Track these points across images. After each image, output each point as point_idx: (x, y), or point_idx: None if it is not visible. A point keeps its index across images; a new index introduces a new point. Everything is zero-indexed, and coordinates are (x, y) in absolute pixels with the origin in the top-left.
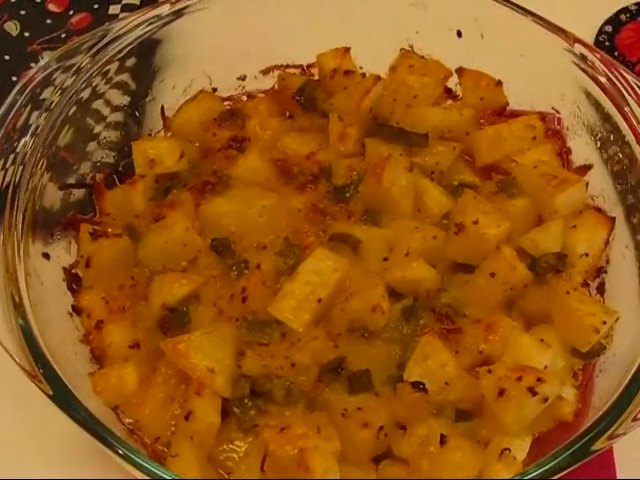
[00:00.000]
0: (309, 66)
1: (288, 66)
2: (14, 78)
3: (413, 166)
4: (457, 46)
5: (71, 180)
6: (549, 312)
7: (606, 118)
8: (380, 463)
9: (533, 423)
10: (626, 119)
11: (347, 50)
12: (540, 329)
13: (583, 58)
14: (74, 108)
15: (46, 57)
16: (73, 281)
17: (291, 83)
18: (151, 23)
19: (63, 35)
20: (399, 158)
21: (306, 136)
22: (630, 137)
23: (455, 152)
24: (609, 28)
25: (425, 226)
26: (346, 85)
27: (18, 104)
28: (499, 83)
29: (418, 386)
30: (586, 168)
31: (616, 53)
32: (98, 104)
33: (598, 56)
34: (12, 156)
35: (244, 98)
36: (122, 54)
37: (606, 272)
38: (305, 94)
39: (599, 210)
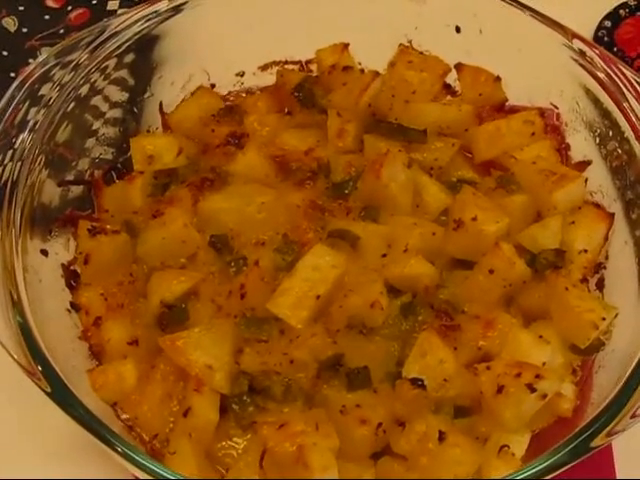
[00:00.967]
0: (308, 62)
1: (287, 62)
2: (12, 74)
3: (412, 162)
4: (456, 42)
5: (69, 176)
6: (548, 308)
7: (605, 114)
8: (379, 460)
9: (532, 419)
10: (625, 115)
11: (346, 46)
12: (539, 325)
13: (582, 54)
14: (72, 104)
15: (44, 53)
16: (71, 278)
17: (290, 79)
18: (149, 19)
19: (61, 31)
20: (398, 154)
21: (304, 132)
22: (629, 133)
23: (454, 148)
24: (608, 23)
25: (424, 222)
26: (345, 81)
27: (16, 100)
28: (498, 79)
29: (417, 383)
30: (585, 164)
31: (615, 48)
32: (96, 100)
33: (597, 52)
34: (10, 152)
35: (243, 94)
36: (120, 50)
37: (605, 268)
38: (304, 90)
39: (598, 206)
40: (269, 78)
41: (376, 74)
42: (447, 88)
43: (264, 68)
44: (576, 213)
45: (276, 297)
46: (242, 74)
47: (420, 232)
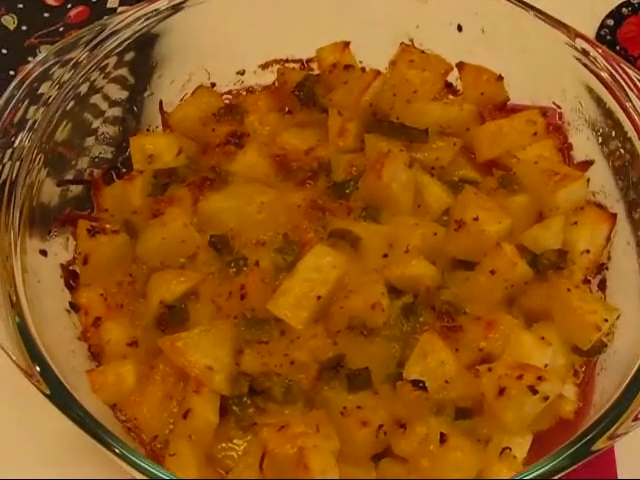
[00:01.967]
0: (309, 61)
1: (287, 61)
2: (12, 72)
3: (413, 162)
4: (458, 41)
5: (69, 176)
6: (550, 309)
7: (607, 114)
8: (379, 462)
9: (534, 421)
10: (628, 114)
11: (347, 44)
12: (541, 327)
13: (585, 53)
14: (72, 103)
15: (44, 51)
16: (71, 278)
17: (290, 78)
18: (149, 17)
19: (61, 29)
20: (399, 154)
21: (305, 131)
22: (632, 133)
23: (455, 148)
24: (611, 22)
25: (425, 222)
26: (346, 80)
27: (15, 99)
28: (500, 78)
29: (418, 384)
30: (587, 164)
31: (618, 47)
32: (96, 99)
33: (600, 51)
34: (9, 151)
35: (243, 93)
36: (120, 48)
37: (607, 269)
38: (304, 89)
39: (600, 206)
40: (270, 77)
41: (377, 73)
42: (449, 87)
43: (265, 67)
44: (578, 213)
45: (276, 298)
46: (242, 72)
47: (421, 232)
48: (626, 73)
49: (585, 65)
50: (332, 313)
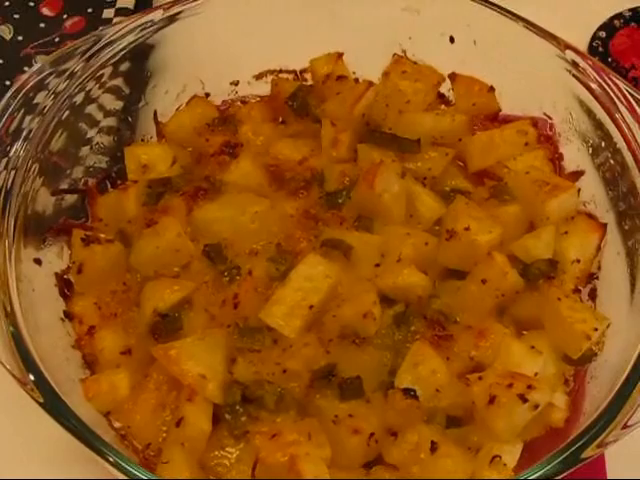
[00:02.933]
0: (302, 71)
1: (281, 71)
2: (7, 82)
3: (405, 172)
4: (450, 52)
5: (63, 185)
6: (540, 318)
7: (598, 125)
8: (371, 469)
9: (524, 430)
10: (617, 126)
11: (340, 55)
12: (531, 335)
13: (575, 64)
14: (67, 113)
15: (40, 61)
16: (65, 287)
17: (284, 88)
18: (144, 28)
19: (57, 39)
20: (391, 164)
21: (299, 142)
22: (621, 144)
23: (447, 158)
24: (603, 34)
25: (417, 232)
26: (339, 90)
27: (11, 108)
28: (491, 89)
29: (409, 393)
30: (578, 174)
31: (610, 59)
32: (91, 109)
33: (590, 62)
34: (4, 161)
35: (237, 103)
36: (115, 59)
37: (598, 278)
38: (298, 99)
39: (591, 216)
40: (264, 87)
41: (370, 84)
42: (441, 98)
43: (259, 77)
44: (569, 223)
45: (269, 307)
46: (237, 83)
47: (413, 242)
48: (616, 85)
49: (575, 77)
50: (324, 322)
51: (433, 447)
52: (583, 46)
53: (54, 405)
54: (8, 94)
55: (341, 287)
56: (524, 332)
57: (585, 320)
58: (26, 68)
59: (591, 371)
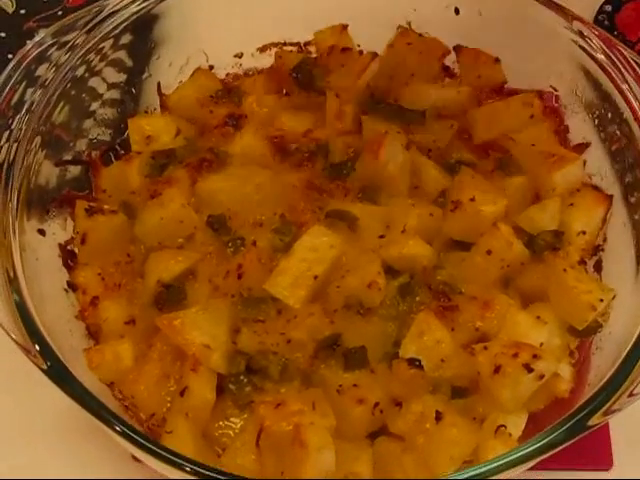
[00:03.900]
0: (306, 44)
1: (285, 44)
2: (10, 55)
3: (410, 143)
4: (455, 24)
5: (67, 157)
6: (546, 290)
7: (604, 96)
8: (375, 439)
9: (529, 400)
10: (624, 97)
11: (344, 27)
12: (537, 307)
13: (581, 35)
14: (69, 85)
15: (42, 34)
16: (69, 258)
17: (288, 61)
18: None
19: (59, 13)
20: (396, 135)
21: (303, 113)
22: (628, 115)
23: (452, 130)
24: (609, 7)
25: (422, 203)
26: (343, 62)
27: (12, 81)
28: (497, 60)
29: (414, 363)
30: (584, 146)
31: (615, 32)
32: (94, 81)
33: (596, 33)
34: (7, 133)
35: (241, 75)
36: (118, 30)
37: (603, 250)
38: (302, 72)
39: (596, 188)
40: (267, 60)
41: (375, 55)
42: (446, 70)
43: (263, 50)
44: (575, 195)
45: (274, 277)
46: (240, 55)
47: (418, 213)
48: (622, 55)
49: (582, 48)
50: (329, 292)
51: (438, 417)
52: (589, 19)
53: (59, 372)
54: (9, 66)
55: (346, 258)
56: (529, 304)
57: (591, 291)
58: (28, 42)
59: (596, 343)
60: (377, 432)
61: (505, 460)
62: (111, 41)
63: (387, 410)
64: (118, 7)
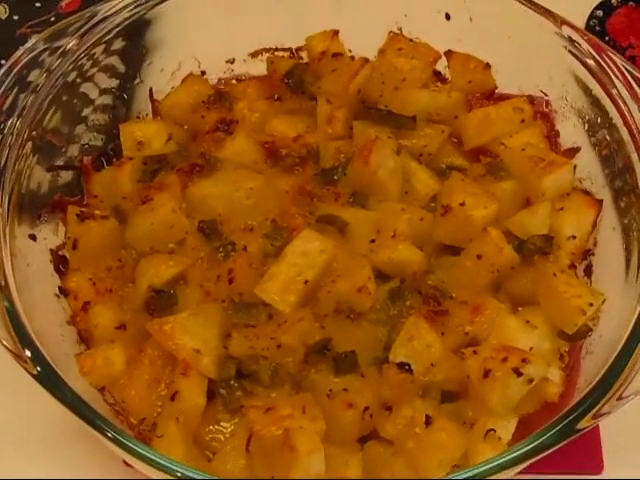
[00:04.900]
0: (298, 49)
1: (277, 49)
2: (3, 61)
3: (401, 148)
4: (446, 29)
5: (59, 163)
6: (536, 294)
7: (594, 101)
8: (365, 443)
9: (519, 404)
10: (614, 102)
11: (336, 33)
12: (527, 311)
13: (571, 41)
14: (61, 91)
15: (34, 39)
16: (60, 263)
17: (280, 66)
18: (139, 4)
19: (52, 19)
20: (386, 140)
21: (294, 119)
22: (618, 120)
23: (443, 135)
24: (600, 13)
25: (412, 208)
26: (334, 68)
27: (4, 86)
28: (487, 66)
29: (404, 367)
30: (574, 151)
31: (607, 38)
32: (86, 87)
33: (586, 39)
34: None
35: (233, 81)
36: (110, 36)
37: (593, 254)
38: (294, 77)
39: (586, 193)
40: (259, 65)
41: (366, 61)
42: (437, 75)
43: (254, 55)
44: (565, 199)
45: (264, 282)
46: (232, 61)
47: (408, 218)
48: (612, 61)
49: (572, 53)
50: (319, 297)
51: (428, 421)
52: (580, 25)
53: (50, 378)
54: (1, 72)
55: (336, 263)
56: (519, 308)
57: (581, 295)
58: (20, 47)
59: (586, 347)
60: (367, 436)
61: (495, 463)
62: (103, 47)
63: (377, 414)
64: (110, 13)
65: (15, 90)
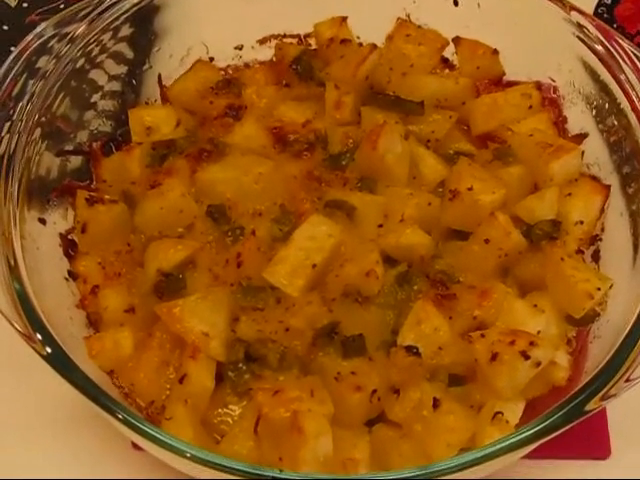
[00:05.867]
0: (306, 36)
1: (285, 36)
2: (12, 48)
3: (409, 134)
4: (454, 15)
5: (68, 148)
6: (543, 279)
7: (602, 87)
8: (373, 426)
9: (526, 388)
10: (622, 87)
11: (344, 19)
12: (534, 296)
13: (580, 26)
14: (71, 77)
15: (42, 25)
16: (69, 247)
17: (288, 52)
18: None
19: (62, 5)
20: (394, 126)
21: (302, 104)
22: (626, 105)
23: (451, 121)
24: (608, 0)
25: (420, 193)
26: (342, 54)
27: (13, 72)
28: (495, 52)
29: (412, 350)
30: (582, 136)
31: (615, 25)
32: (95, 73)
33: (595, 24)
34: (8, 124)
35: (241, 67)
36: (119, 22)
37: (601, 240)
38: (302, 63)
39: (594, 178)
40: (268, 52)
41: (374, 47)
42: (445, 62)
43: (263, 42)
44: (572, 185)
45: (272, 266)
46: (241, 47)
47: (416, 202)
48: (621, 46)
49: (580, 38)
50: (327, 281)
51: (435, 404)
52: (588, 12)
53: (60, 359)
54: (10, 58)
55: (344, 247)
56: (527, 293)
57: (588, 280)
58: (30, 34)
59: (594, 331)
60: (375, 419)
61: (503, 444)
62: (112, 33)
63: (385, 397)
64: None
65: (24, 76)
